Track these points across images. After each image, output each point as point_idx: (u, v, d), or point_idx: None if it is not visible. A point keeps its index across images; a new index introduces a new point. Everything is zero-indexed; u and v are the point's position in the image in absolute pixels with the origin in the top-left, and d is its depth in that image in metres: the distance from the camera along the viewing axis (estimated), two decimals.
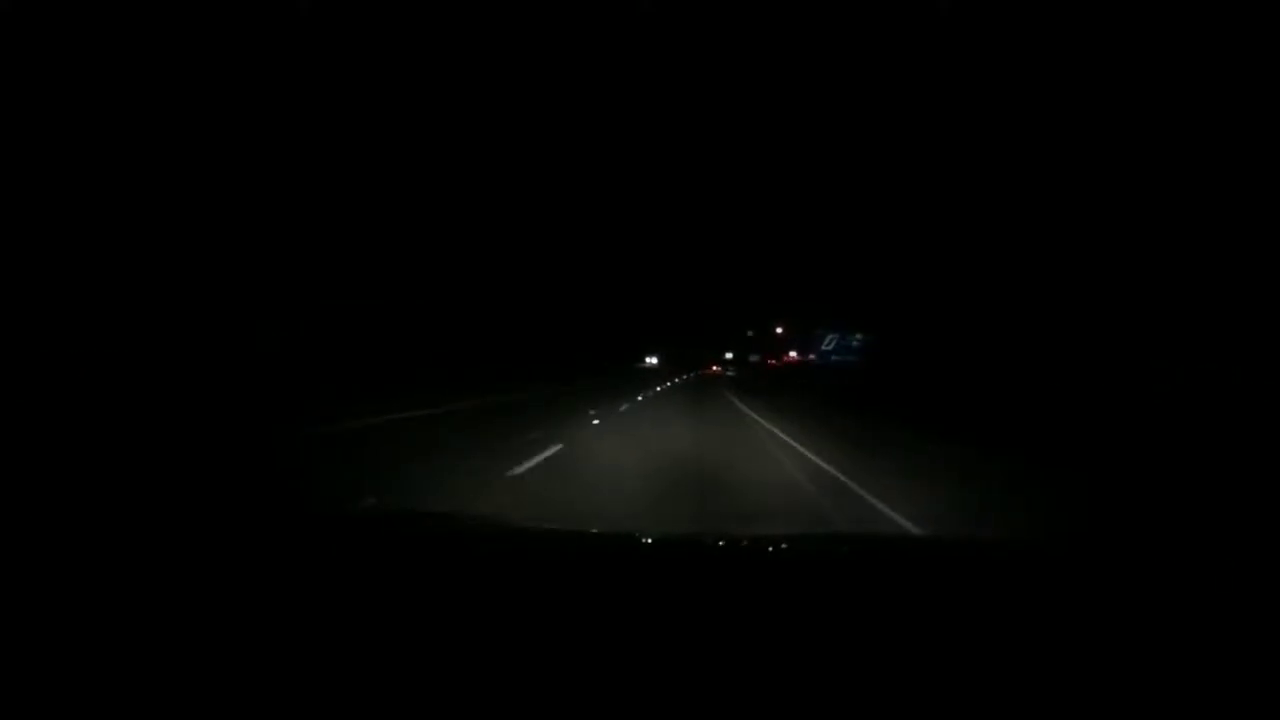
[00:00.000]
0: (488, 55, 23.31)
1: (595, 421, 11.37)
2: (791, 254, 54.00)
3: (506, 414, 12.07)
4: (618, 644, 0.84)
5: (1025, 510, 4.82)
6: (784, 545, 1.67)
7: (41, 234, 14.32)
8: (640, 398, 19.26)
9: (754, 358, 76.49)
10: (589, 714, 0.70)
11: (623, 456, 6.99)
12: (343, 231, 20.09)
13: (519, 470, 5.97)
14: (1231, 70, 12.88)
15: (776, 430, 10.67)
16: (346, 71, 19.01)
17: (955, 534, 3.57)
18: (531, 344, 32.89)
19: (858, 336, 39.32)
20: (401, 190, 21.75)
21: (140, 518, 1.69)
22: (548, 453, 7.01)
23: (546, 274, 38.71)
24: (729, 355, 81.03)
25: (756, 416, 13.73)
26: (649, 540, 1.72)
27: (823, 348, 42.23)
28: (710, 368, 76.16)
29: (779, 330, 71.80)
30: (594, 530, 1.92)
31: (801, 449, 8.34)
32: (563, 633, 0.87)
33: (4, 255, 13.31)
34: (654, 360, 70.08)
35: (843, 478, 6.17)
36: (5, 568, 1.03)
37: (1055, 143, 17.81)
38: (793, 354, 55.32)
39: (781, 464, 7.33)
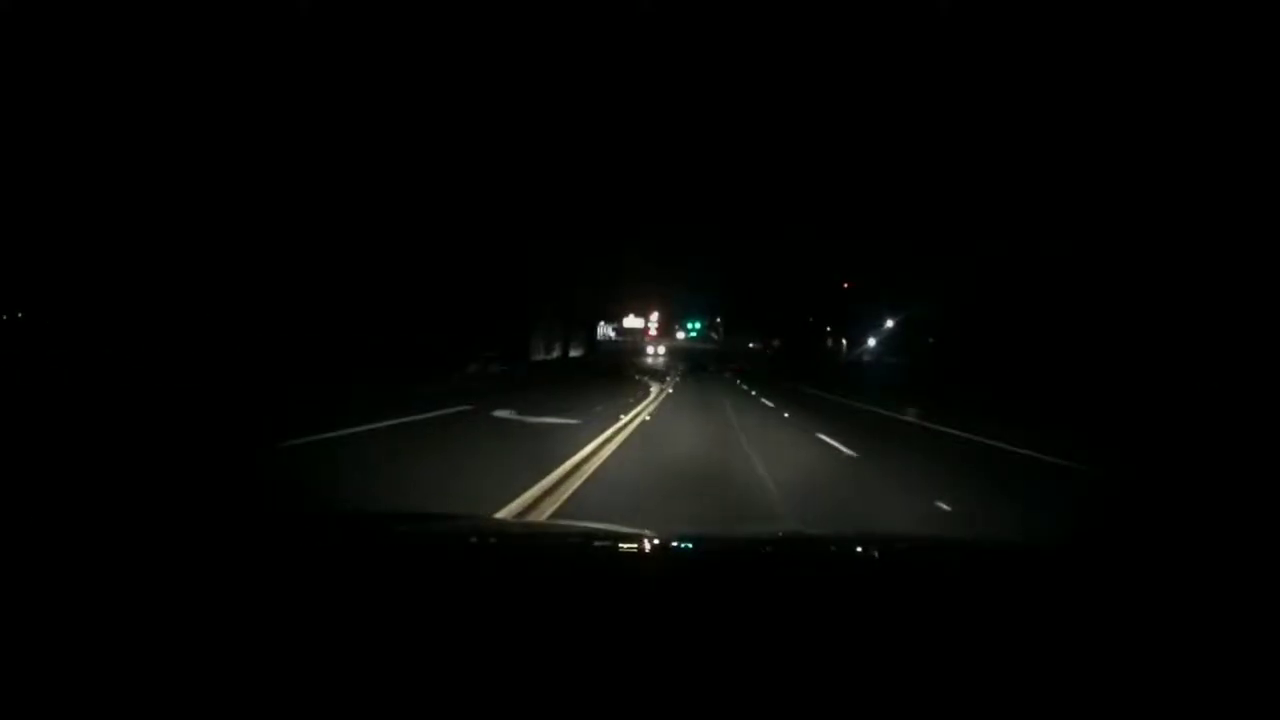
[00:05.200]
0: (487, 55, 23.40)
1: None
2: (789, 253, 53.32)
3: None
4: (618, 644, 0.84)
5: None
6: (784, 545, 1.69)
7: (38, 233, 14.56)
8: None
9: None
10: (588, 714, 0.70)
11: None
12: (342, 231, 19.97)
13: None
14: (1231, 70, 12.97)
15: None
16: (346, 71, 19.00)
17: (955, 535, 3.54)
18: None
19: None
20: (400, 189, 21.70)
21: (136, 518, 1.66)
22: None
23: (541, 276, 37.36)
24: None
25: None
26: (648, 539, 1.65)
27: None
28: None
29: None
30: (593, 528, 1.93)
31: None
32: (562, 633, 0.87)
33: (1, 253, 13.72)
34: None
35: None
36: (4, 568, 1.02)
37: (1053, 142, 18.18)
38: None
39: None
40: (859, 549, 1.66)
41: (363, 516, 1.92)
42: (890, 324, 39.22)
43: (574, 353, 47.01)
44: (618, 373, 29.72)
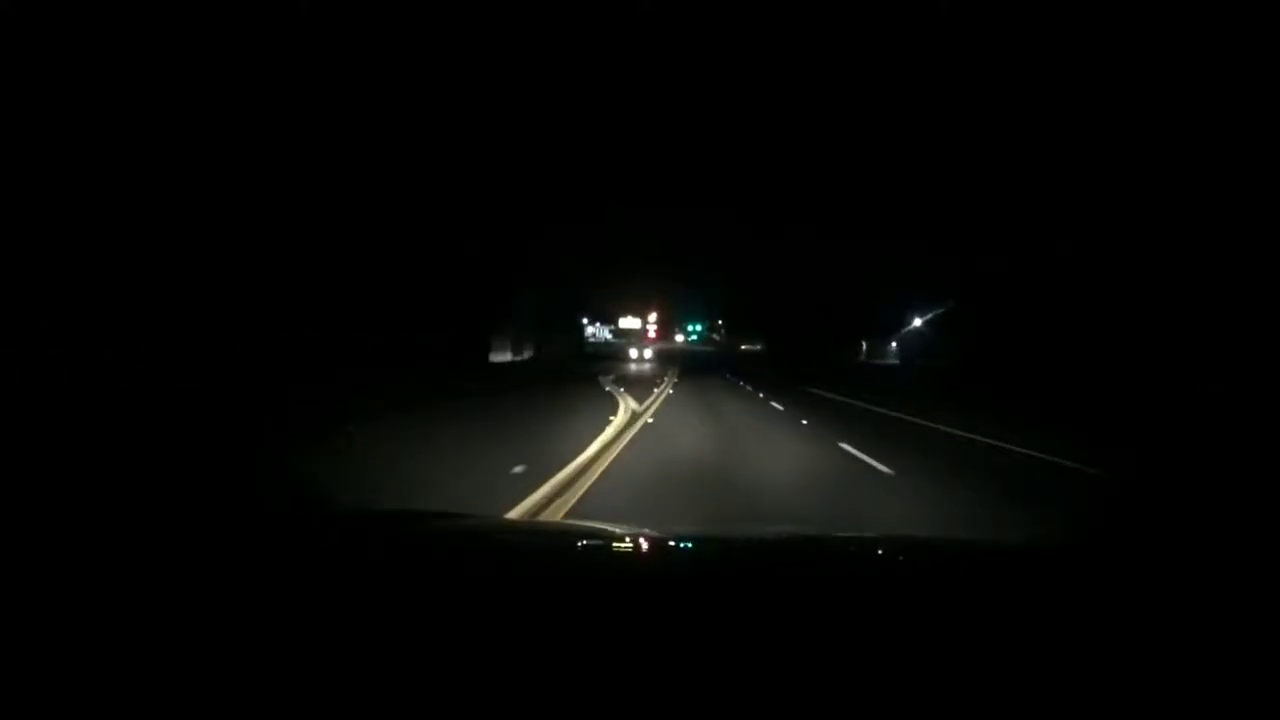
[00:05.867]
0: (487, 55, 23.29)
1: None
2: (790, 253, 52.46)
3: None
4: (620, 643, 0.83)
5: None
6: (784, 546, 1.65)
7: (39, 233, 13.89)
8: None
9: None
10: (587, 714, 0.69)
11: None
12: (342, 231, 19.53)
13: None
14: (1231, 70, 12.97)
15: None
16: (346, 71, 18.96)
17: (957, 537, 3.47)
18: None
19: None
20: (400, 189, 21.26)
21: (136, 517, 1.67)
22: None
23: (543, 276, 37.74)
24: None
25: None
26: (651, 539, 1.64)
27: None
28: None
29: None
30: (595, 527, 1.89)
31: None
32: (565, 632, 0.86)
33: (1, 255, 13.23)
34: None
35: None
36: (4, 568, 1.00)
37: (1053, 142, 18.15)
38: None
39: None
40: (860, 549, 1.63)
41: (366, 515, 1.86)
42: (917, 323, 34.61)
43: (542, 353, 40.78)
44: (586, 381, 21.83)
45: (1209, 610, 1.00)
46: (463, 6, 21.45)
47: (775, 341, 63.15)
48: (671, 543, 1.64)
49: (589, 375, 24.50)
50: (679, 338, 79.96)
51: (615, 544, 1.56)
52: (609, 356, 48.84)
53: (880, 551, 1.63)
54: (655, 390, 18.27)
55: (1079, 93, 17.04)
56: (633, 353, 54.49)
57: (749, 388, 21.32)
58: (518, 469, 5.88)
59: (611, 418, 10.13)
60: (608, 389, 18.15)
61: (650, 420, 10.57)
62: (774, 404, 14.72)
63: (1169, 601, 1.06)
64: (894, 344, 44.18)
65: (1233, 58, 13.10)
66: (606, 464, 6.49)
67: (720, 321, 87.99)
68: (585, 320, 60.86)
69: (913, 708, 0.71)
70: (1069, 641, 0.88)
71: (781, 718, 0.69)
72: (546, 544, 1.53)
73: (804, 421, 10.80)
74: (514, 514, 4.90)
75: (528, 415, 10.77)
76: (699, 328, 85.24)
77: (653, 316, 69.52)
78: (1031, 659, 0.82)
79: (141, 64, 15.50)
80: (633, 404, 13.28)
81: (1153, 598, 1.09)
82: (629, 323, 66.22)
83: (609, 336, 65.61)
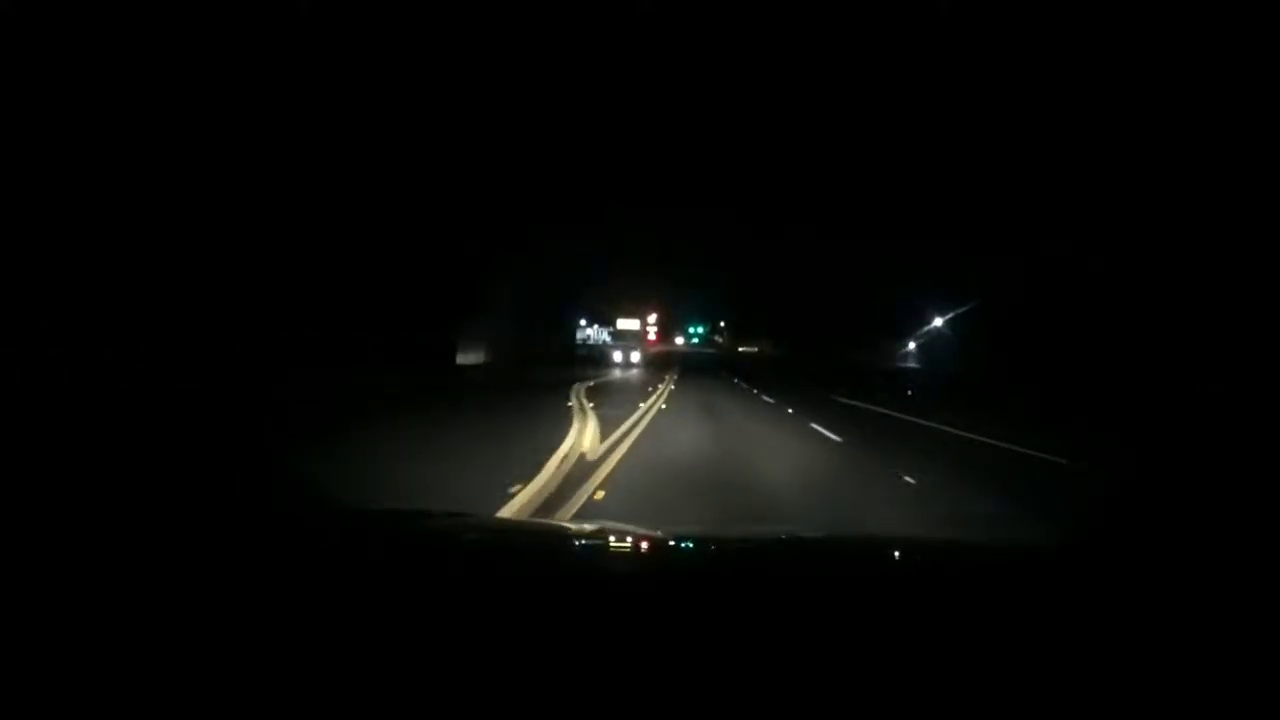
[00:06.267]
0: (487, 55, 23.65)
1: None
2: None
3: None
4: (615, 643, 0.83)
5: None
6: (784, 546, 1.64)
7: (37, 234, 14.03)
8: None
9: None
10: (588, 714, 0.69)
11: None
12: (342, 231, 19.51)
13: None
14: (1231, 70, 13.00)
15: None
16: (347, 71, 19.11)
17: (957, 538, 3.39)
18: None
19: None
20: (401, 189, 21.32)
21: (136, 516, 1.66)
22: None
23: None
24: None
25: None
26: (648, 539, 1.64)
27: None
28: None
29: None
30: (595, 527, 1.88)
31: None
32: (561, 632, 0.86)
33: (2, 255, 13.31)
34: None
35: None
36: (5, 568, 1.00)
37: (1053, 142, 18.20)
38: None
39: None
40: (860, 549, 1.63)
41: (366, 515, 1.85)
42: (938, 323, 34.59)
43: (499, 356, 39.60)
44: (549, 391, 15.43)
45: (1209, 610, 1.00)
46: (463, 6, 21.69)
47: (780, 342, 62.74)
48: (671, 542, 1.65)
49: (561, 383, 18.38)
50: (679, 340, 79.46)
51: (614, 544, 1.57)
52: (599, 359, 43.53)
53: (880, 552, 1.63)
54: (641, 405, 12.64)
55: (1082, 89, 17.05)
56: (616, 356, 44.78)
57: (768, 398, 16.78)
58: None
59: (515, 489, 4.81)
60: (570, 403, 12.25)
61: (600, 497, 4.96)
62: (817, 427, 10.16)
63: (1169, 602, 1.06)
64: (911, 345, 43.08)
65: (1234, 55, 13.07)
66: None
67: (723, 323, 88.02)
68: (583, 322, 60.10)
69: (912, 708, 0.71)
70: (1068, 641, 0.88)
71: (780, 718, 0.69)
72: (546, 544, 1.56)
73: (910, 480, 6.18)
74: None
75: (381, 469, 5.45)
76: (701, 329, 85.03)
77: (653, 318, 68.50)
78: (1031, 659, 0.82)
79: (140, 63, 15.58)
80: (588, 438, 7.66)
81: (1152, 598, 1.09)
82: (627, 324, 65.08)
83: (607, 338, 64.66)
